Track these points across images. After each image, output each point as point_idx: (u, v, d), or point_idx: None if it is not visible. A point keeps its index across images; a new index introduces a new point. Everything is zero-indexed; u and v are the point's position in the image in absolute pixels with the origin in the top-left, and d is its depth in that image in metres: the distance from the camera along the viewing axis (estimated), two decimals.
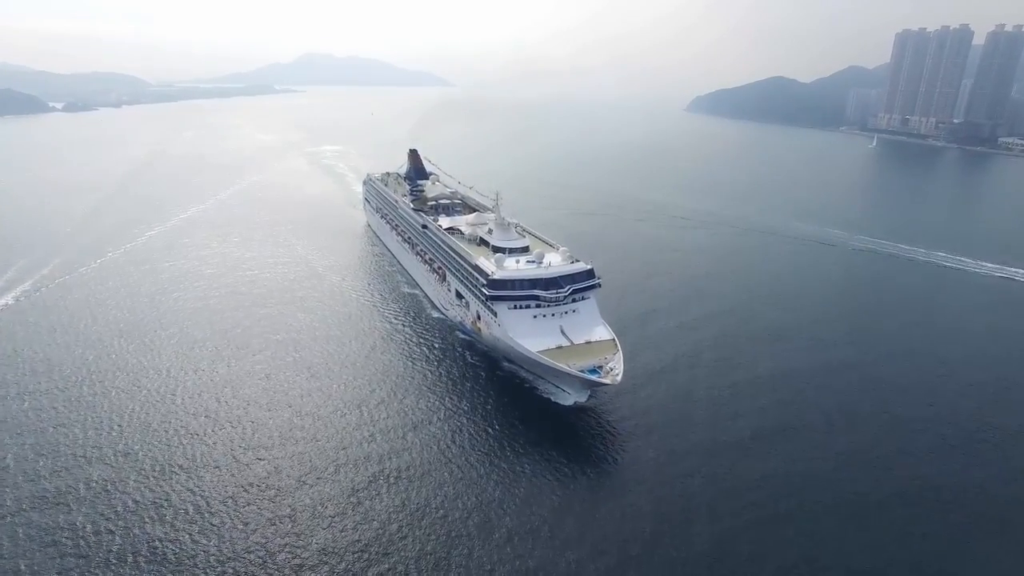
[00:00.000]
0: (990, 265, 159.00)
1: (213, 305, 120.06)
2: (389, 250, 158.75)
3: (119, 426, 79.11)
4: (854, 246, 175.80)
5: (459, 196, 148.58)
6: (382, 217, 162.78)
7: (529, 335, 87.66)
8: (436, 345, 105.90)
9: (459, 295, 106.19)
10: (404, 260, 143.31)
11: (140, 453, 73.75)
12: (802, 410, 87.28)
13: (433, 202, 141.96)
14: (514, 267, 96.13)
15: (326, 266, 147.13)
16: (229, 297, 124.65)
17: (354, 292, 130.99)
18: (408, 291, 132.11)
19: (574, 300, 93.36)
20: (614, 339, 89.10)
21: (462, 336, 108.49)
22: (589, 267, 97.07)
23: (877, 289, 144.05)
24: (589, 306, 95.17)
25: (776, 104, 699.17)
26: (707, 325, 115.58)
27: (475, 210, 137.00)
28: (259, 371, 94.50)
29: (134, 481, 68.97)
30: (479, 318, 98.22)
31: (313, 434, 78.74)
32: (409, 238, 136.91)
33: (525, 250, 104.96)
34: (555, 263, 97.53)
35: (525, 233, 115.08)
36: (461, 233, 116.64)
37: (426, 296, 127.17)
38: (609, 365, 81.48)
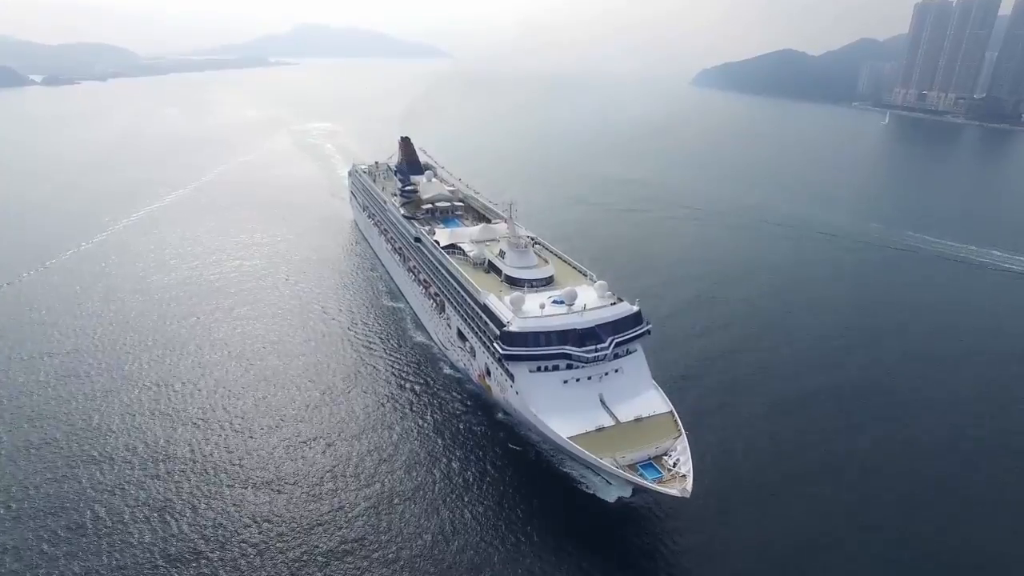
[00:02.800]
0: None
1: (163, 315, 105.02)
2: (375, 253, 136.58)
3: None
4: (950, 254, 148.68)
5: (460, 197, 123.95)
6: (369, 217, 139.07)
7: (558, 410, 64.89)
8: (422, 381, 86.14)
9: (462, 335, 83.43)
10: (394, 272, 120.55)
11: (61, 489, 63.82)
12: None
13: (429, 205, 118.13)
14: (537, 311, 71.51)
15: (301, 270, 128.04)
16: (181, 307, 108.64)
17: (330, 304, 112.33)
18: (390, 304, 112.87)
19: (617, 356, 70.00)
20: (672, 412, 66.08)
21: (450, 372, 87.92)
22: (636, 309, 73.00)
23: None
24: (636, 362, 71.62)
25: (785, 78, 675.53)
26: (783, 369, 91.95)
27: (481, 215, 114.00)
28: (206, 394, 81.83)
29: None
30: (488, 373, 75.58)
31: (245, 482, 64.93)
32: (400, 248, 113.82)
33: (549, 282, 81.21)
34: (590, 303, 73.33)
35: (546, 255, 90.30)
36: (464, 253, 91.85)
37: (412, 311, 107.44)
38: (672, 459, 58.94)
